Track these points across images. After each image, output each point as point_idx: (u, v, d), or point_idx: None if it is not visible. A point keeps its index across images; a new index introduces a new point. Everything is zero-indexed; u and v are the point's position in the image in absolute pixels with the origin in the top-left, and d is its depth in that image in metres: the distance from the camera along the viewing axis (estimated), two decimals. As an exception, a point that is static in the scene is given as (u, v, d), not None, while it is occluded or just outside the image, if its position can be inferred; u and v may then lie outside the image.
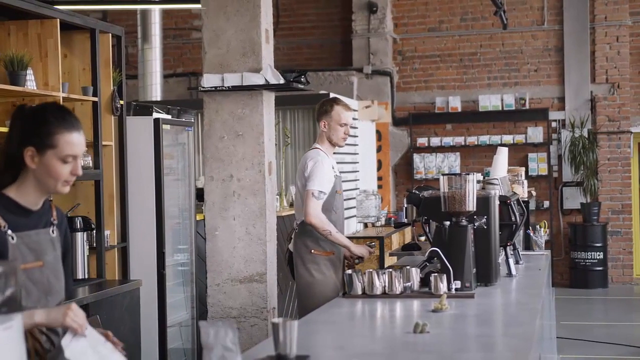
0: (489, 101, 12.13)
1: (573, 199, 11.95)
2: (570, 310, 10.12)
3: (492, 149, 10.83)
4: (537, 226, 6.28)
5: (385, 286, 4.03)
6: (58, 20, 5.32)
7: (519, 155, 11.96)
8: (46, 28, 5.31)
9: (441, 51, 12.47)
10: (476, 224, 4.29)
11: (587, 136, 11.71)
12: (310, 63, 12.62)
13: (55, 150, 2.63)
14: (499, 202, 4.56)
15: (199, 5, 5.55)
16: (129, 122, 6.15)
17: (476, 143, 12.14)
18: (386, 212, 10.74)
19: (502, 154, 5.60)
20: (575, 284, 11.66)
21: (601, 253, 11.61)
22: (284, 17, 12.89)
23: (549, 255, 5.96)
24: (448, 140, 12.21)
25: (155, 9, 10.93)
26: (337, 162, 5.54)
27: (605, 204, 11.86)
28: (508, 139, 11.95)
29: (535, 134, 11.98)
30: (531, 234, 6.16)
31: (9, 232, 2.60)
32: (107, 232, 5.77)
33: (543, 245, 6.20)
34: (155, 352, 6.19)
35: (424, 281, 4.10)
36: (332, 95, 7.66)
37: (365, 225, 10.13)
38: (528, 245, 6.22)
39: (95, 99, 5.65)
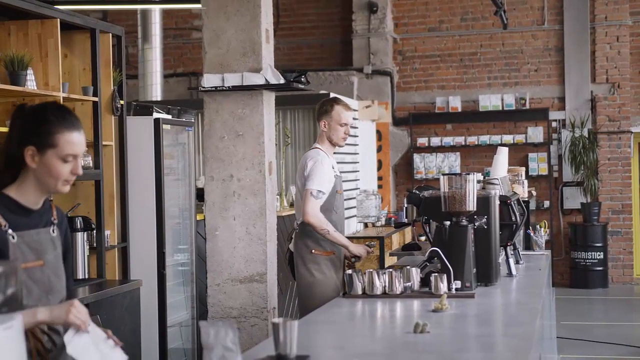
0: (489, 101, 12.13)
1: (573, 198, 11.95)
2: (571, 310, 10.12)
3: (492, 148, 10.83)
4: (538, 226, 6.28)
5: (385, 286, 4.03)
6: (58, 20, 5.32)
7: (519, 155, 11.96)
8: (46, 28, 5.31)
9: (441, 51, 12.47)
10: (476, 223, 4.29)
11: (587, 136, 11.71)
12: (310, 63, 12.62)
13: (56, 149, 2.63)
14: (499, 202, 4.56)
15: (199, 5, 5.55)
16: (129, 122, 6.15)
17: (476, 143, 12.14)
18: (386, 212, 10.74)
19: (503, 154, 5.60)
20: (576, 284, 11.66)
21: (601, 253, 11.61)
22: (284, 17, 12.89)
23: (549, 255, 5.96)
24: (448, 140, 12.21)
25: (156, 9, 10.93)
26: (337, 162, 5.53)
27: (605, 204, 11.86)
28: (508, 138, 11.95)
29: (536, 133, 11.98)
30: (531, 234, 6.16)
31: (10, 231, 2.60)
32: (107, 232, 5.77)
33: (543, 245, 6.20)
34: (156, 352, 6.19)
35: (424, 281, 4.10)
36: (332, 95, 7.66)
37: (366, 225, 10.14)
38: (528, 245, 6.22)
39: (96, 99, 5.65)
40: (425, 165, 12.26)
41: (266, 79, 5.17)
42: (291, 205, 8.17)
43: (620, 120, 11.92)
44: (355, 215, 9.86)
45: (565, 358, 7.53)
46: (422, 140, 12.29)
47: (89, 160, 5.54)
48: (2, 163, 2.67)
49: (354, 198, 9.87)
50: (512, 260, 4.80)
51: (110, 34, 5.99)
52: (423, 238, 6.75)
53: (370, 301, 3.97)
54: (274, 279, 5.38)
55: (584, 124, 11.76)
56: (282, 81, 5.17)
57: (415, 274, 4.09)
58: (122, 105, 6.01)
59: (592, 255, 11.57)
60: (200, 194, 6.20)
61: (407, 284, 4.06)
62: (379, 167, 11.73)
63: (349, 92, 11.59)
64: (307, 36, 12.97)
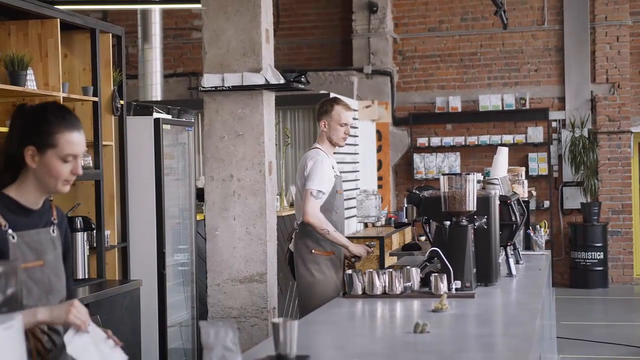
0: (489, 101, 12.13)
1: (573, 198, 11.95)
2: (571, 310, 10.12)
3: (492, 148, 10.83)
4: (538, 226, 6.28)
5: (385, 286, 4.03)
6: (58, 20, 5.32)
7: (519, 155, 11.96)
8: (46, 28, 5.31)
9: (441, 51, 12.47)
10: (476, 223, 4.29)
11: (587, 136, 11.71)
12: (310, 63, 12.62)
13: (56, 149, 2.63)
14: (499, 202, 4.56)
15: (199, 5, 5.56)
16: (129, 122, 6.15)
17: (476, 143, 12.14)
18: (386, 212, 10.74)
19: (503, 154, 5.60)
20: (576, 284, 11.66)
21: (601, 253, 11.61)
22: (284, 17, 12.89)
23: (549, 255, 5.96)
24: (448, 140, 12.21)
25: (156, 9, 10.93)
26: (337, 162, 5.53)
27: (605, 204, 11.86)
28: (508, 138, 11.95)
29: (536, 133, 11.98)
30: (531, 234, 6.16)
31: (10, 231, 2.60)
32: (107, 232, 5.77)
33: (543, 245, 6.20)
34: (156, 352, 6.19)
35: (424, 281, 4.10)
36: (332, 95, 7.66)
37: (366, 225, 10.14)
38: (528, 245, 6.22)
39: (96, 99, 5.65)
40: (425, 165, 12.26)
41: (266, 79, 5.17)
42: (291, 205, 8.17)
43: (620, 120, 11.92)
44: (355, 215, 9.86)
45: (565, 358, 7.53)
46: (422, 140, 12.29)
47: (89, 160, 5.54)
48: (2, 163, 2.67)
49: (354, 198, 9.87)
50: (512, 260, 4.80)
51: (110, 34, 5.99)
52: (423, 238, 6.75)
53: (370, 301, 3.97)
54: (274, 279, 5.38)
55: (584, 124, 11.76)
56: (282, 81, 5.17)
57: (415, 274, 4.09)
58: (122, 105, 6.01)
59: (592, 255, 11.57)
60: (200, 194, 6.19)
61: (407, 284, 4.06)
62: (379, 167, 11.73)
63: (349, 92, 11.59)
64: (307, 36, 12.97)
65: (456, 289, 4.04)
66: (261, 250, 5.25)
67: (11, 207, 2.64)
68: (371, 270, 4.09)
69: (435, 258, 4.13)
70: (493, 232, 4.37)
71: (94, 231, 5.59)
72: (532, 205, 11.47)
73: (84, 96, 5.58)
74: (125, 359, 2.65)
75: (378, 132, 11.69)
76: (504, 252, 4.82)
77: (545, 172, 11.98)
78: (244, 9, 5.23)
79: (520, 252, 5.38)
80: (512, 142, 11.87)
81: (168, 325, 6.33)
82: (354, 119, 9.60)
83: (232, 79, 5.20)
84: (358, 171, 10.24)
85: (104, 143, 5.75)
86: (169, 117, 6.87)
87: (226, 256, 5.28)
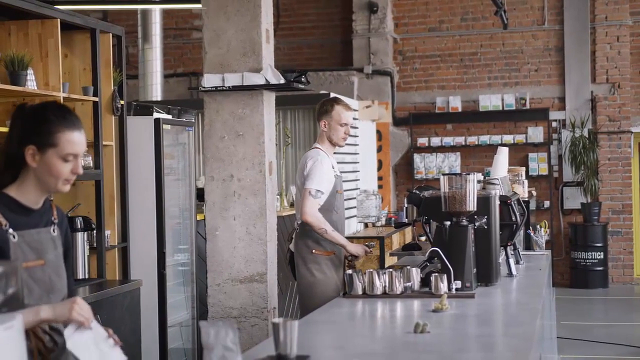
0: (490, 101, 12.13)
1: (573, 198, 11.95)
2: (571, 310, 10.12)
3: (492, 148, 10.83)
4: (538, 226, 6.28)
5: (385, 286, 4.03)
6: (58, 20, 5.32)
7: (519, 155, 11.96)
8: (47, 28, 5.31)
9: (441, 51, 12.47)
10: (476, 224, 4.29)
11: (587, 136, 11.71)
12: (310, 63, 12.62)
13: (56, 148, 2.63)
14: (499, 202, 4.56)
15: (199, 5, 5.55)
16: (130, 122, 6.15)
17: (476, 143, 12.14)
18: (386, 212, 10.74)
19: (503, 154, 5.60)
20: (576, 284, 11.66)
21: (601, 253, 11.60)
22: (285, 17, 12.89)
23: (549, 255, 5.96)
24: (448, 140, 12.21)
25: (156, 9, 10.92)
26: (338, 162, 5.53)
27: (605, 204, 11.86)
28: (508, 138, 11.95)
29: (536, 133, 11.98)
30: (531, 234, 6.16)
31: (10, 230, 2.60)
32: (107, 232, 5.77)
33: (543, 245, 6.20)
34: (156, 352, 6.19)
35: (425, 281, 4.10)
36: (332, 95, 7.66)
37: (366, 225, 10.13)
38: (528, 245, 6.22)
39: (96, 99, 5.65)
40: (426, 165, 12.26)
41: (266, 79, 5.16)
42: (291, 205, 8.17)
43: (621, 120, 11.92)
44: (355, 216, 9.86)
45: (566, 358, 7.53)
46: (422, 140, 12.29)
47: (89, 160, 5.54)
48: (3, 163, 2.68)
49: (354, 198, 9.87)
50: (512, 261, 4.80)
51: (111, 34, 5.99)
52: (423, 238, 6.74)
53: (371, 301, 3.97)
54: (274, 279, 5.38)
55: (584, 124, 11.76)
56: (282, 81, 5.17)
57: (416, 274, 4.09)
58: (122, 105, 6.01)
59: (592, 255, 11.57)
60: (200, 194, 6.19)
61: (407, 284, 4.06)
62: (379, 167, 11.73)
63: (349, 92, 11.59)
64: (307, 36, 12.97)
65: (456, 289, 4.04)
66: (261, 250, 5.25)
67: (11, 206, 2.64)
68: (371, 270, 4.09)
69: (436, 258, 4.13)
70: (493, 232, 4.37)
71: (94, 231, 5.59)
72: (532, 206, 11.47)
73: (84, 96, 5.59)
74: (124, 359, 2.65)
75: (378, 132, 11.69)
76: (504, 252, 4.82)
77: (545, 172, 11.98)
78: (244, 9, 5.23)
79: (521, 252, 5.38)
80: (512, 142, 11.87)
81: (168, 325, 6.33)
82: (354, 119, 9.60)
83: (232, 79, 5.20)
84: (358, 171, 10.24)
85: (104, 143, 5.75)
86: (169, 117, 6.87)
87: (226, 256, 5.28)
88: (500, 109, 12.10)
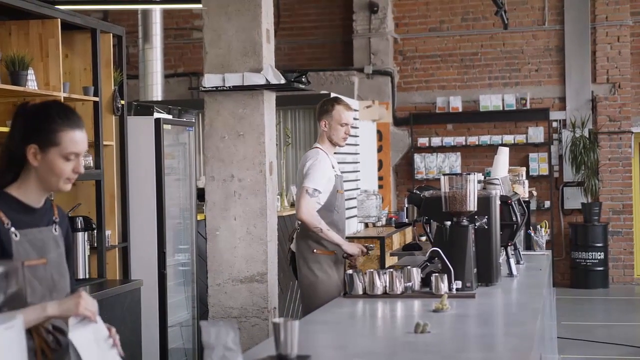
0: (490, 101, 12.13)
1: (574, 199, 11.95)
2: (571, 310, 10.12)
3: (493, 149, 10.82)
4: (538, 226, 6.28)
5: (386, 286, 4.03)
6: (59, 20, 5.33)
7: (519, 155, 11.96)
8: (47, 28, 5.31)
9: (442, 51, 12.47)
10: (477, 224, 4.29)
11: (587, 136, 11.71)
12: (311, 63, 12.62)
13: (59, 147, 2.64)
14: (499, 202, 4.56)
15: (200, 5, 5.55)
16: (130, 122, 6.16)
17: (477, 143, 12.14)
18: (387, 212, 10.74)
19: (503, 154, 5.60)
20: (576, 284, 11.65)
21: (602, 253, 11.60)
22: (285, 17, 12.89)
23: (549, 255, 5.96)
24: (449, 140, 12.20)
25: (156, 9, 10.92)
26: (338, 162, 5.54)
27: (606, 204, 11.86)
28: (509, 139, 11.95)
29: (536, 134, 11.98)
30: (532, 234, 6.16)
31: (12, 229, 2.60)
32: (108, 232, 5.77)
33: (544, 245, 6.21)
34: (156, 352, 6.19)
35: (425, 281, 4.10)
36: (333, 95, 7.66)
37: (366, 225, 10.13)
38: (529, 245, 6.22)
39: (96, 99, 5.65)
40: (426, 165, 12.26)
41: (267, 79, 5.16)
42: (292, 205, 8.17)
43: (621, 120, 11.92)
44: (355, 216, 9.85)
45: (566, 358, 7.53)
46: (422, 141, 12.29)
47: (90, 160, 5.54)
48: (4, 162, 2.68)
49: (355, 198, 9.87)
50: (512, 261, 4.80)
51: (111, 34, 5.99)
52: (424, 238, 6.74)
53: (371, 301, 3.98)
54: (275, 279, 5.38)
55: (585, 124, 11.75)
56: (282, 81, 5.17)
57: (416, 274, 4.09)
58: (122, 105, 6.01)
59: (592, 255, 11.56)
60: (200, 194, 6.19)
61: (408, 284, 4.06)
62: (380, 167, 11.73)
63: (349, 92, 11.59)
64: (307, 36, 12.97)
65: (457, 289, 4.04)
66: (262, 250, 5.25)
67: (13, 205, 2.64)
68: (372, 270, 4.09)
69: (436, 258, 4.13)
70: (494, 232, 4.37)
71: (95, 231, 5.60)
72: (533, 206, 11.46)
73: (84, 96, 5.59)
74: None
75: (379, 132, 11.69)
76: (504, 252, 4.82)
77: (545, 172, 11.98)
78: (244, 9, 5.23)
79: (521, 252, 5.38)
80: (512, 142, 11.87)
81: (169, 325, 6.33)
82: (355, 119, 9.60)
83: (232, 79, 5.20)
84: (359, 171, 10.24)
85: (104, 143, 5.76)
86: (170, 117, 6.87)
87: (227, 256, 5.28)
88: (501, 109, 12.10)
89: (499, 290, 4.32)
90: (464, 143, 12.16)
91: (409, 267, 4.13)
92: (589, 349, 8.06)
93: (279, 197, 7.98)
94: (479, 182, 4.72)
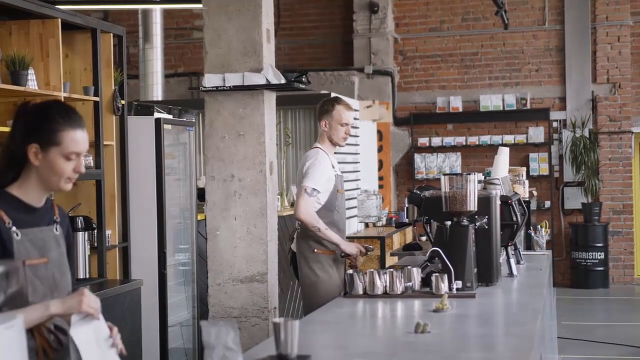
0: (490, 101, 12.13)
1: (574, 199, 11.95)
2: (572, 310, 10.12)
3: (493, 148, 10.82)
4: (538, 226, 6.28)
5: (386, 286, 4.03)
6: (59, 20, 5.33)
7: (520, 155, 11.95)
8: (47, 28, 5.31)
9: (442, 51, 12.47)
10: (477, 223, 4.29)
11: (588, 136, 11.71)
12: (311, 63, 12.62)
13: (60, 147, 2.64)
14: (500, 202, 4.56)
15: (200, 5, 5.55)
16: (130, 122, 6.16)
17: (477, 143, 12.14)
18: (387, 212, 10.74)
19: (503, 154, 5.60)
20: (577, 284, 11.65)
21: (602, 253, 11.60)
22: (285, 17, 12.89)
23: (550, 255, 5.96)
24: (449, 140, 12.20)
25: (157, 9, 10.92)
26: (338, 162, 5.54)
27: (606, 204, 11.86)
28: (509, 139, 11.95)
29: (537, 134, 11.98)
30: (532, 234, 6.16)
31: (14, 228, 2.61)
32: (108, 232, 5.77)
33: (544, 245, 6.20)
34: (156, 352, 6.19)
35: (425, 281, 4.10)
36: (333, 95, 7.66)
37: (367, 225, 10.13)
38: (529, 245, 6.22)
39: (97, 98, 5.66)
40: (426, 165, 12.26)
41: (267, 79, 5.16)
42: (292, 205, 8.16)
43: (621, 120, 11.92)
44: (356, 215, 9.86)
45: (566, 358, 7.53)
46: (423, 140, 12.29)
47: (90, 160, 5.55)
48: (5, 161, 2.68)
49: (355, 198, 9.87)
50: (513, 260, 4.80)
51: (112, 34, 5.99)
52: (424, 238, 6.74)
53: (371, 301, 3.98)
54: (275, 279, 5.38)
55: (585, 124, 11.75)
56: (283, 81, 5.17)
57: (416, 274, 4.09)
58: (123, 105, 6.01)
59: (593, 255, 11.56)
60: (201, 194, 6.19)
61: (408, 284, 4.06)
62: (380, 167, 11.73)
63: (349, 92, 11.59)
64: (308, 36, 12.97)
65: (457, 289, 4.04)
66: (262, 250, 5.25)
67: (14, 204, 2.65)
68: (372, 270, 4.09)
69: (436, 258, 4.13)
70: (494, 232, 4.37)
71: (95, 231, 5.60)
72: (533, 206, 11.47)
73: (85, 96, 5.59)
74: None
75: (379, 132, 11.69)
76: (504, 252, 4.82)
77: (546, 172, 11.98)
78: (245, 9, 5.23)
79: (521, 252, 5.38)
80: (513, 142, 11.87)
81: (169, 325, 6.33)
82: (355, 119, 9.60)
83: (233, 79, 5.20)
84: (359, 171, 10.24)
85: (105, 143, 5.76)
86: (170, 117, 6.87)
87: (227, 256, 5.28)
88: (501, 109, 12.10)
89: (499, 290, 4.32)
90: (464, 143, 12.16)
91: (409, 267, 4.13)
92: (589, 349, 8.06)
93: (279, 197, 7.98)
94: (479, 182, 4.72)
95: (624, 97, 11.92)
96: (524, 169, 6.52)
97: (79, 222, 5.38)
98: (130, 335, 5.37)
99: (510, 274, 4.74)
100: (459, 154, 12.21)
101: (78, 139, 2.66)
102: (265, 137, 5.25)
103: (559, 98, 12.13)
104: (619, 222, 11.93)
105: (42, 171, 2.65)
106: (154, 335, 6.18)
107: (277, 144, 5.90)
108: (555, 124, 12.10)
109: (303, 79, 5.29)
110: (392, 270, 4.08)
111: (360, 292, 4.05)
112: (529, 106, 12.07)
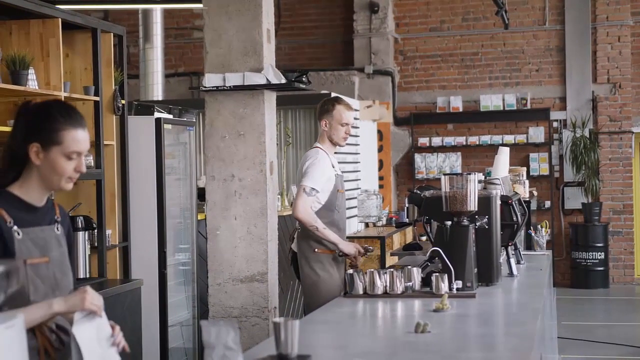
0: (491, 101, 12.13)
1: (574, 199, 11.95)
2: (572, 310, 10.12)
3: (493, 148, 10.82)
4: (539, 226, 6.28)
5: (386, 286, 4.03)
6: (60, 19, 5.33)
7: (520, 155, 11.96)
8: (48, 27, 5.31)
9: (442, 51, 12.47)
10: (477, 223, 4.29)
11: (588, 136, 11.71)
12: (311, 63, 12.62)
13: (61, 146, 2.64)
14: (500, 202, 4.56)
15: (200, 5, 5.55)
16: (131, 122, 6.16)
17: (477, 143, 12.14)
18: (387, 212, 10.74)
19: (504, 154, 5.60)
20: (577, 284, 11.65)
21: (602, 253, 11.60)
22: (286, 17, 12.89)
23: (550, 255, 5.96)
24: (449, 140, 12.20)
25: (157, 9, 10.93)
26: (338, 162, 5.54)
27: (606, 204, 11.86)
28: (509, 138, 11.95)
29: (537, 133, 11.98)
30: (532, 234, 6.16)
31: (15, 227, 2.61)
32: (108, 232, 5.77)
33: (544, 245, 6.20)
34: (157, 352, 6.19)
35: (425, 281, 4.10)
36: (333, 94, 7.66)
37: (367, 225, 10.13)
38: (529, 245, 6.22)
39: (97, 98, 5.66)
40: (427, 165, 12.26)
41: (267, 79, 5.16)
42: (292, 204, 8.16)
43: (622, 120, 11.93)
44: (356, 215, 9.85)
45: (566, 358, 7.53)
46: (423, 140, 12.29)
47: (90, 160, 5.55)
48: (6, 161, 2.68)
49: (355, 198, 9.87)
50: (513, 260, 4.80)
51: (112, 34, 5.99)
52: (424, 238, 6.74)
53: (371, 301, 3.98)
54: (275, 279, 5.38)
55: (585, 124, 11.75)
56: (283, 81, 5.17)
57: (417, 274, 4.09)
58: (123, 104, 6.02)
59: (593, 255, 11.57)
60: (201, 194, 6.19)
61: (408, 283, 4.06)
62: (380, 167, 11.73)
63: (350, 92, 11.59)
64: (308, 36, 12.97)
65: (457, 289, 4.04)
66: (262, 249, 5.25)
67: (15, 204, 2.65)
68: (372, 270, 4.09)
69: (436, 258, 4.13)
70: (494, 232, 4.37)
71: (95, 230, 5.60)
72: (533, 205, 11.47)
73: (85, 96, 5.59)
74: None
75: (379, 132, 11.69)
76: (505, 252, 4.82)
77: (546, 172, 11.98)
78: (245, 9, 5.23)
79: (521, 252, 5.38)
80: (513, 142, 11.87)
81: (169, 325, 6.33)
82: (355, 118, 9.60)
83: (233, 79, 5.19)
84: (359, 171, 10.24)
85: (105, 142, 5.76)
86: (170, 116, 6.87)
87: (227, 256, 5.28)
88: (501, 109, 12.10)
89: (500, 290, 4.32)
90: (464, 143, 12.16)
91: (409, 266, 4.13)
92: (589, 349, 8.06)
93: (279, 196, 7.98)
94: (480, 182, 4.73)
95: (624, 97, 11.92)
96: (524, 169, 6.52)
97: (79, 222, 5.38)
98: (131, 335, 5.37)
99: (511, 274, 4.74)
100: (459, 154, 12.21)
101: (79, 138, 2.67)
102: (266, 137, 5.25)
103: (559, 98, 12.13)
104: (619, 222, 11.93)
105: (43, 170, 2.65)
106: (154, 335, 6.18)
107: (277, 144, 5.90)
108: (555, 124, 12.10)
109: (303, 79, 5.29)
110: (392, 270, 4.08)
111: (361, 292, 4.05)
112: (529, 106, 12.07)
